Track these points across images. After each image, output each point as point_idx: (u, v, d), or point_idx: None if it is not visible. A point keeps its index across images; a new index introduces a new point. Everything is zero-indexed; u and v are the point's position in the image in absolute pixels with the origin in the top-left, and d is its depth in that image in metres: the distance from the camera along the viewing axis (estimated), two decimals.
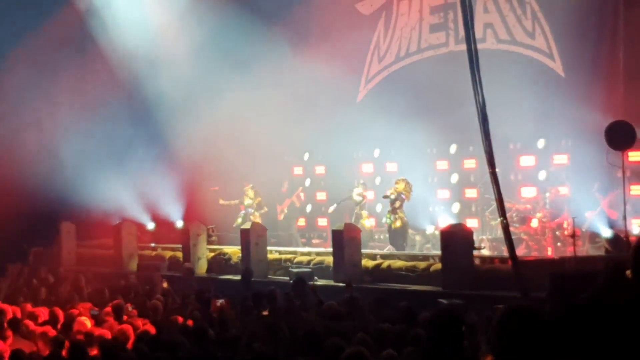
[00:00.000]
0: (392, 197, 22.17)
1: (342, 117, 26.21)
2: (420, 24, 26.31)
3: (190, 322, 12.18)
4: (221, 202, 26.77)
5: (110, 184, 26.89)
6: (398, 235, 22.22)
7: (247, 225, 21.74)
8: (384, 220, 23.11)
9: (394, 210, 22.17)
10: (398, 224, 22.10)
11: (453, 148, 25.12)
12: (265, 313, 13.08)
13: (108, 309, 13.78)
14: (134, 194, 27.41)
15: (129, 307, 14.38)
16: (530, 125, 22.39)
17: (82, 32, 28.05)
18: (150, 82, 27.19)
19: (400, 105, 24.73)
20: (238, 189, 27.31)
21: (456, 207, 24.47)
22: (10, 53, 27.67)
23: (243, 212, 25.77)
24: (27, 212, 26.21)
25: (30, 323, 12.53)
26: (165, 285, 18.08)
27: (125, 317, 13.09)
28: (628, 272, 5.19)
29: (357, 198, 24.12)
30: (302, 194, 28.12)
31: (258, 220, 24.02)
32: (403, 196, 22.14)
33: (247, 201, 25.73)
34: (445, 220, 21.98)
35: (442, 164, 25.45)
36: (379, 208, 25.92)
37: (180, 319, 12.60)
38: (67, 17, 27.91)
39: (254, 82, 26.53)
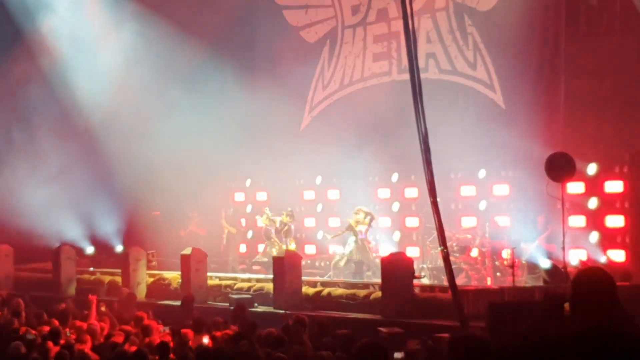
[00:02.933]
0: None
1: (285, 143, 26.25)
2: (364, 52, 26.46)
3: (129, 347, 12.07)
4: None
5: (50, 207, 26.62)
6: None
7: (188, 251, 21.64)
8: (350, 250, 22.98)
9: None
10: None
11: (395, 176, 25.22)
12: (205, 339, 13.01)
13: (45, 333, 13.61)
14: (73, 218, 27.16)
15: (67, 331, 14.22)
16: (471, 155, 22.55)
17: (30, 62, 27.89)
18: (92, 106, 27.04)
19: (343, 133, 24.85)
20: (180, 213, 27.23)
21: (397, 235, 24.55)
22: None
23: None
24: None
25: None
26: (103, 309, 17.87)
27: (62, 342, 12.93)
28: (566, 305, 5.27)
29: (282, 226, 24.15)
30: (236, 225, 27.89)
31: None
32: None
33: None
34: (386, 249, 22.07)
35: (384, 192, 25.52)
36: (319, 235, 25.94)
37: (119, 344, 12.47)
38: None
39: (197, 107, 26.55)
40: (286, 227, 24.16)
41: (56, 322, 14.79)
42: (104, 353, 12.00)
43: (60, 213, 26.89)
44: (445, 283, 16.92)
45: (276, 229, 24.38)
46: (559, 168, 17.71)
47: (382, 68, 25.96)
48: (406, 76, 16.39)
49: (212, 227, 27.35)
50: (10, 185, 27.18)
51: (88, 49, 27.50)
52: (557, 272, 17.81)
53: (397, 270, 17.70)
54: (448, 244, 17.11)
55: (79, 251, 26.16)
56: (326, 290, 19.51)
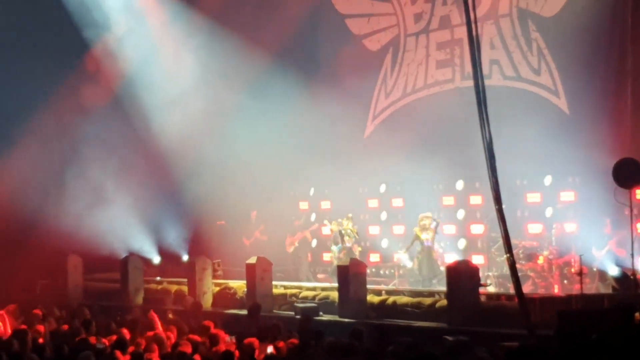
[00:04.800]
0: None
1: (348, 152, 26.29)
2: (427, 59, 26.39)
3: (197, 357, 12.14)
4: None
5: (118, 217, 26.93)
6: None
7: (253, 260, 21.69)
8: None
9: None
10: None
11: (459, 184, 25.13)
12: (270, 348, 13.03)
13: (113, 342, 13.72)
14: (141, 228, 27.43)
15: (136, 341, 14.31)
16: (537, 162, 22.38)
17: (101, 76, 28.30)
18: (159, 116, 27.31)
19: (406, 140, 24.79)
20: (244, 222, 27.35)
21: (462, 243, 24.43)
22: (31, 96, 27.86)
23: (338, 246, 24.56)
24: (35, 245, 26.20)
25: (34, 357, 12.48)
26: (170, 316, 18.00)
27: (130, 351, 13.02)
28: (637, 314, 5.21)
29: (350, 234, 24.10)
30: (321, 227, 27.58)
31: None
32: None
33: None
34: (451, 257, 21.97)
35: (448, 200, 25.42)
36: (384, 243, 25.92)
37: (187, 354, 12.55)
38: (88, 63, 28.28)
39: (261, 117, 26.69)
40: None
41: (124, 332, 14.90)
42: None
43: (128, 223, 27.19)
44: (512, 291, 16.78)
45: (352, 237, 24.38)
46: (627, 174, 17.44)
47: (446, 75, 25.88)
48: (470, 83, 16.32)
49: (276, 235, 27.35)
50: (80, 196, 27.51)
51: (155, 62, 27.81)
52: (626, 279, 17.55)
53: (462, 278, 17.58)
54: (514, 251, 16.98)
55: (146, 261, 26.40)
56: (391, 299, 19.43)
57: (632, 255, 16.90)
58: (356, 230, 24.35)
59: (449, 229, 24.82)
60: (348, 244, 23.97)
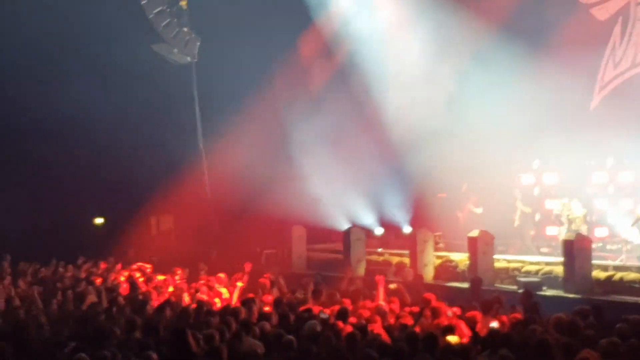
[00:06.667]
0: None
1: (574, 124, 25.64)
2: None
3: (418, 330, 12.18)
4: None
5: (340, 189, 27.32)
6: None
7: (474, 233, 21.56)
8: None
9: None
10: None
11: None
12: (494, 323, 12.92)
13: (335, 312, 13.93)
14: (362, 200, 27.74)
15: (358, 311, 14.47)
16: None
17: (327, 52, 28.86)
18: (382, 88, 27.54)
19: (635, 111, 24.01)
20: (462, 195, 27.22)
21: None
22: (260, 71, 28.66)
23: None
24: (261, 217, 26.95)
25: (266, 324, 12.82)
26: (393, 286, 18.06)
27: (353, 321, 13.19)
28: None
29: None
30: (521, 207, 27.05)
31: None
32: None
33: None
34: None
35: None
36: (611, 218, 25.20)
37: (409, 326, 12.62)
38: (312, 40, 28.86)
39: (484, 88, 26.41)
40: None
41: (347, 302, 15.10)
42: (394, 334, 12.17)
43: (351, 195, 27.54)
44: None
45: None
46: None
47: None
48: None
49: (497, 208, 26.96)
50: (303, 169, 28.09)
51: (379, 35, 28.06)
52: None
53: None
54: None
55: (368, 232, 26.65)
56: (618, 275, 18.93)
57: None
58: (584, 214, 23.73)
59: None
60: (574, 228, 23.38)
